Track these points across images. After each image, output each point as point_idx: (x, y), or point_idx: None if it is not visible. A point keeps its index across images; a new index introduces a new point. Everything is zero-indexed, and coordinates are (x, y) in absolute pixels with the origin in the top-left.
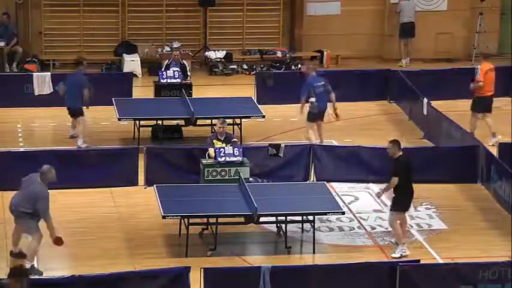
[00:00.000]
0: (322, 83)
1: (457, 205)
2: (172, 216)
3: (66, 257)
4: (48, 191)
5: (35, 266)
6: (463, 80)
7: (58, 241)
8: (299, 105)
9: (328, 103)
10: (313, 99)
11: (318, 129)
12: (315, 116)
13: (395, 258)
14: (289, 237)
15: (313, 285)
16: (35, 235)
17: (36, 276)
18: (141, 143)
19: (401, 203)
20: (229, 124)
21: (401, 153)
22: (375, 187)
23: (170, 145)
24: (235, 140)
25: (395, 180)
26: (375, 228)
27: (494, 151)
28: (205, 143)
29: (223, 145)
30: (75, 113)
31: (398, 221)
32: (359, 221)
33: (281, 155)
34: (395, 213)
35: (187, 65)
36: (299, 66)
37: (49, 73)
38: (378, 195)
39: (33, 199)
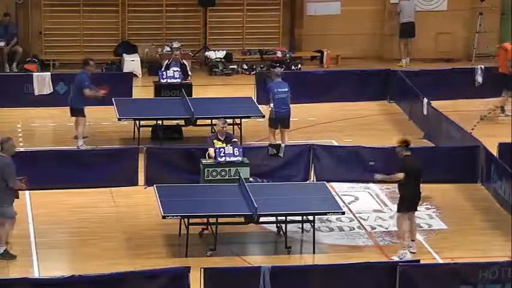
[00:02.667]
0: (286, 89)
1: (457, 205)
2: (172, 216)
3: (66, 257)
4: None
5: (8, 250)
6: (463, 80)
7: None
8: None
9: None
10: (271, 105)
11: (282, 135)
12: (274, 122)
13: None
14: (289, 237)
15: (313, 285)
16: (9, 221)
17: (37, 269)
18: (141, 143)
19: (404, 204)
20: (229, 124)
21: (408, 153)
22: (375, 187)
23: (170, 145)
24: (236, 140)
25: (400, 175)
26: (375, 228)
27: (494, 151)
28: (206, 143)
29: (224, 145)
30: (74, 113)
31: (403, 223)
32: (359, 221)
33: (281, 155)
34: (399, 214)
35: (187, 64)
36: (299, 66)
37: (49, 73)
38: (377, 177)
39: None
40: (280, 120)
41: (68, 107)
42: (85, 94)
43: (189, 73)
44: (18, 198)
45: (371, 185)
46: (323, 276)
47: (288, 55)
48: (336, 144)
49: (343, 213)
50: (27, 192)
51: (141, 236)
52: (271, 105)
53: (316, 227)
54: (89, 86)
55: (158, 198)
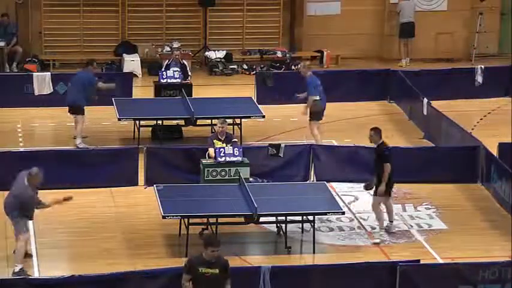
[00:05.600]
0: (319, 82)
1: (457, 205)
2: (172, 216)
3: (66, 257)
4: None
5: (24, 269)
6: (463, 80)
7: (67, 199)
8: (304, 105)
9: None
10: (317, 98)
11: (319, 128)
12: (320, 115)
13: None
14: (289, 237)
15: (313, 285)
16: (21, 236)
17: (37, 269)
18: (141, 143)
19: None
20: (229, 124)
21: (382, 140)
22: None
23: (170, 145)
24: (236, 140)
25: (388, 166)
26: (374, 228)
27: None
28: (206, 143)
29: (224, 145)
30: (76, 111)
31: (380, 205)
32: (359, 221)
33: (281, 155)
34: (375, 197)
35: (187, 65)
36: (299, 65)
37: (49, 73)
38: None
39: (18, 199)
40: (323, 111)
41: (67, 106)
42: (100, 87)
43: (189, 73)
44: (32, 219)
45: None
46: (323, 276)
47: (288, 55)
48: (336, 144)
49: (343, 213)
50: None
51: (141, 236)
52: (317, 97)
53: (316, 227)
54: (98, 81)
55: (158, 198)
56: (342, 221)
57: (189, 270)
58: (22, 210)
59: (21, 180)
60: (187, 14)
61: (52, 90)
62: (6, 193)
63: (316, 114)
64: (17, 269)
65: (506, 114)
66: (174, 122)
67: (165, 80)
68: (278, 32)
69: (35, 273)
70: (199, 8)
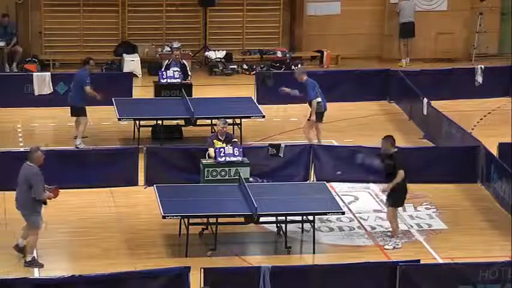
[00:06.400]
0: (316, 84)
1: (457, 205)
2: (172, 216)
3: (66, 257)
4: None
5: (36, 258)
6: (463, 80)
7: (55, 192)
8: (308, 106)
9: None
10: (319, 100)
11: (317, 129)
12: (322, 116)
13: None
14: (289, 237)
15: (313, 285)
16: (34, 229)
17: (37, 269)
18: (141, 143)
19: (395, 198)
20: (229, 124)
21: (396, 149)
22: (375, 187)
23: (170, 145)
24: (236, 140)
25: (401, 173)
26: (375, 228)
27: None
28: (206, 142)
29: (224, 145)
30: (76, 112)
31: (394, 216)
32: (359, 221)
33: (281, 155)
34: (391, 208)
35: (187, 65)
36: (299, 65)
37: (49, 73)
38: (384, 190)
39: (27, 180)
40: (324, 114)
41: (69, 107)
42: (86, 91)
43: (189, 73)
44: (46, 204)
45: (371, 185)
46: (323, 276)
47: (288, 55)
48: (336, 144)
49: (343, 213)
50: None
51: (141, 236)
52: (319, 99)
53: (316, 227)
54: (90, 84)
55: (158, 198)
56: (342, 221)
57: None
58: (32, 191)
59: (24, 167)
60: (187, 14)
61: (52, 90)
62: (6, 193)
63: (318, 116)
64: (29, 258)
65: (506, 114)
66: (174, 122)
67: (165, 80)
68: (278, 32)
69: (35, 273)
70: (199, 8)
